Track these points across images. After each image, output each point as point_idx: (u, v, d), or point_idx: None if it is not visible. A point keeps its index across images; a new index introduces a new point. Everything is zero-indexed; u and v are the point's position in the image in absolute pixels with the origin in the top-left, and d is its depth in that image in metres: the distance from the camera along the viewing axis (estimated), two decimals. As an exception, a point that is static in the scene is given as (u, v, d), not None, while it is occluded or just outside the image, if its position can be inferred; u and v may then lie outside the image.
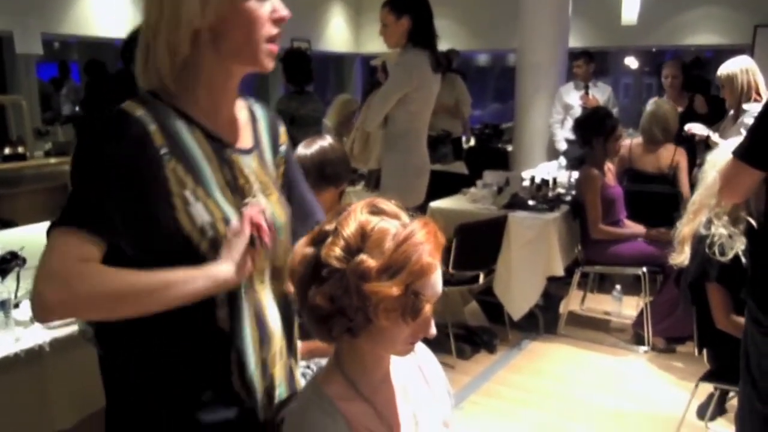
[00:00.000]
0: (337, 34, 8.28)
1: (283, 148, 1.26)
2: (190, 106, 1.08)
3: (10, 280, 2.01)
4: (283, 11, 1.09)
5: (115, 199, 0.99)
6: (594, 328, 3.97)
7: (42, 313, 0.99)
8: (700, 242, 2.32)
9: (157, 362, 1.09)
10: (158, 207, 1.01)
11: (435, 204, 3.99)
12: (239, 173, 1.12)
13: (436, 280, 1.02)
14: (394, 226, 1.00)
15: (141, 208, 1.00)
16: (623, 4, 5.81)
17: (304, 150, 2.13)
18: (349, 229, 1.00)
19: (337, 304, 1.00)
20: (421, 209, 3.63)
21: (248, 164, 1.14)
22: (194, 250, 1.03)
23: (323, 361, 1.50)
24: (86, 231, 0.98)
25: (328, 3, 8.23)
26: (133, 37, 1.55)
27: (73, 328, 2.02)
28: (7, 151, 5.17)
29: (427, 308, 1.01)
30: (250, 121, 1.21)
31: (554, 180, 4.19)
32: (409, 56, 3.06)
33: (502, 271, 3.65)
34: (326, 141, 2.17)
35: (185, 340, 1.08)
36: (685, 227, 2.47)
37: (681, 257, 2.47)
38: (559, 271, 3.65)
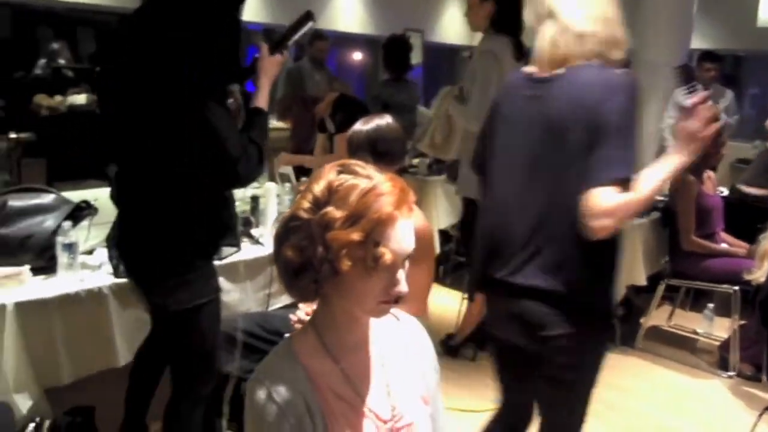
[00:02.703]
0: (450, 26, 8.19)
1: None
2: None
3: (83, 229, 2.21)
4: None
5: None
6: (677, 346, 3.69)
7: None
8: (779, 258, 2.10)
9: None
10: None
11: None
12: None
13: (400, 232, 1.02)
14: (363, 183, 1.02)
15: None
16: (761, 2, 5.31)
17: (360, 126, 2.15)
18: (319, 186, 1.04)
19: (305, 256, 1.03)
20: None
21: None
22: None
23: None
24: None
25: (443, -6, 8.18)
26: None
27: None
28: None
29: (389, 259, 1.00)
30: None
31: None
32: (491, 43, 3.00)
33: (578, 274, 3.48)
34: (384, 119, 2.17)
35: None
36: (767, 241, 2.24)
37: (758, 273, 2.25)
38: (641, 280, 3.43)
